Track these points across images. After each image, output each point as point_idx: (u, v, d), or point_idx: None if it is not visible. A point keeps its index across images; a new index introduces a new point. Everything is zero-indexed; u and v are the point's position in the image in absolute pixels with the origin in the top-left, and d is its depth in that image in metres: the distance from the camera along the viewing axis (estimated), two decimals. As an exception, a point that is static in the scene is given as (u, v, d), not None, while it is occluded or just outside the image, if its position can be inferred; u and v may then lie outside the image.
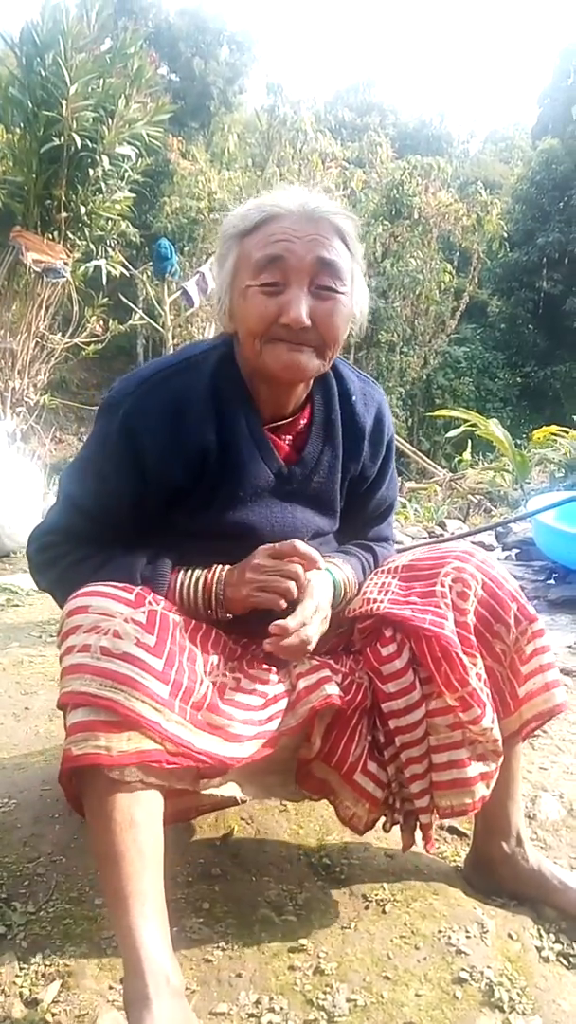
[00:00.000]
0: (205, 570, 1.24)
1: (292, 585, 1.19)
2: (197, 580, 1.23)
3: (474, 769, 1.24)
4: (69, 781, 1.10)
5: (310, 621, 1.19)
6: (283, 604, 1.20)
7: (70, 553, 1.27)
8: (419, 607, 1.22)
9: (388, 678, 1.25)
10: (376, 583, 1.33)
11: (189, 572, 1.24)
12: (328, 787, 1.31)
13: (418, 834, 1.33)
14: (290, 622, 1.16)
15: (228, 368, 1.26)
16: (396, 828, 1.36)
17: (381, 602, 1.26)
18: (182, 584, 1.23)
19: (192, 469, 1.21)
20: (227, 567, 1.24)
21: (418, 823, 1.30)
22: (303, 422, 1.31)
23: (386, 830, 1.36)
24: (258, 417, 1.27)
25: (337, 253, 1.17)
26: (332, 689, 1.23)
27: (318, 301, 1.15)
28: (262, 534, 1.26)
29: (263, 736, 1.17)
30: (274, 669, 1.25)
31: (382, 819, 1.34)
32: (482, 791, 1.25)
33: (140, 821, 1.04)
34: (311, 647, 1.20)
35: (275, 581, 1.19)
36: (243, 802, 1.29)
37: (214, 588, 1.23)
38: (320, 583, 1.24)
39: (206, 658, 1.19)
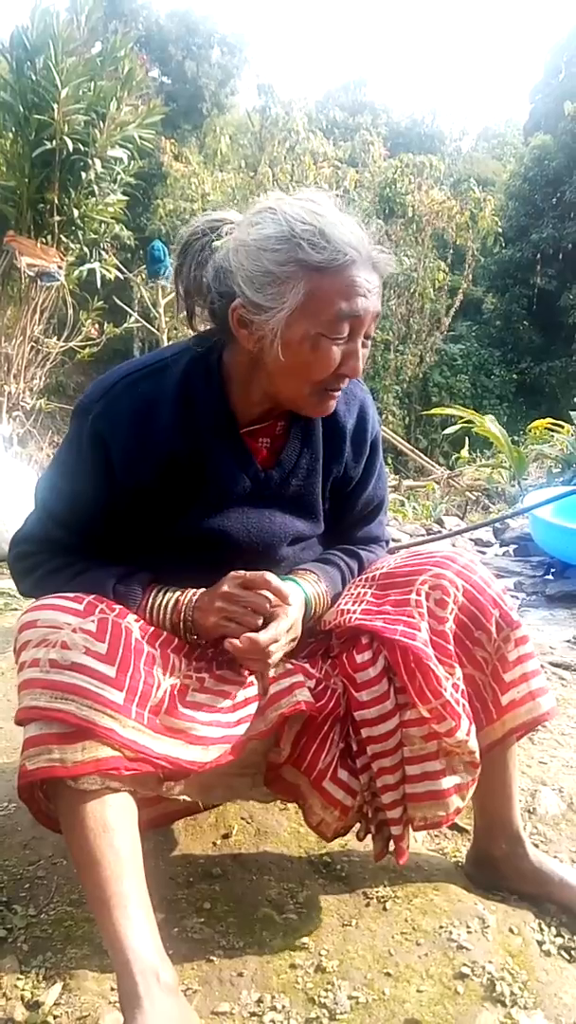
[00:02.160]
0: (178, 592, 1.23)
1: (260, 621, 1.18)
2: (168, 602, 1.22)
3: (448, 781, 1.22)
4: (31, 797, 1.11)
5: (281, 638, 1.18)
6: None
7: (46, 562, 1.26)
8: (391, 617, 1.20)
9: (362, 686, 1.22)
10: (352, 594, 1.31)
11: (162, 593, 1.23)
12: (298, 792, 1.30)
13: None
14: (262, 636, 1.15)
15: (202, 370, 1.23)
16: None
17: (354, 613, 1.25)
18: (154, 604, 1.22)
19: (162, 475, 1.20)
20: (200, 591, 1.23)
21: (391, 835, 1.27)
22: (280, 425, 1.29)
23: (359, 838, 1.34)
24: (233, 421, 1.24)
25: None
26: (303, 695, 1.22)
27: (363, 349, 1.16)
28: (239, 541, 1.25)
29: (230, 740, 1.16)
30: (245, 671, 1.23)
31: (356, 827, 1.32)
32: (456, 803, 1.23)
33: (113, 825, 1.05)
34: (272, 662, 1.19)
35: (244, 614, 1.18)
36: (207, 808, 1.28)
37: (183, 612, 1.21)
38: (295, 600, 1.23)
39: (167, 660, 1.17)
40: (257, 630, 1.17)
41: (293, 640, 1.23)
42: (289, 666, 1.27)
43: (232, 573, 1.21)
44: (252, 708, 1.21)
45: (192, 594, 1.23)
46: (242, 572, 1.21)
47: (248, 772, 1.31)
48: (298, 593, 1.25)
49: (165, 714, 1.11)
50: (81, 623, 1.09)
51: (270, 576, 1.20)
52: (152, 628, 1.21)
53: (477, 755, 1.22)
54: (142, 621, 1.20)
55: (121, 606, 1.18)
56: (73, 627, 1.08)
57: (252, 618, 1.18)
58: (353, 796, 1.27)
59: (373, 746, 1.23)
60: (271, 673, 1.21)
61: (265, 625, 1.18)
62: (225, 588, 1.19)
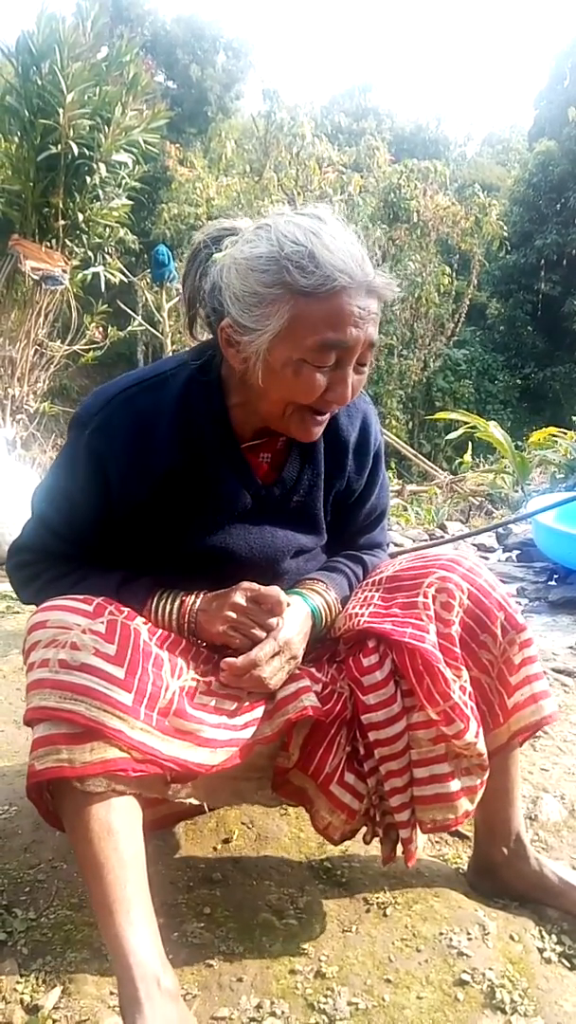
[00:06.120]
0: (182, 595, 1.24)
1: (264, 636, 1.20)
2: (173, 606, 1.23)
3: (457, 784, 1.21)
4: (39, 796, 1.11)
5: (263, 663, 1.18)
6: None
7: (47, 571, 1.27)
8: (400, 619, 1.20)
9: (368, 689, 1.22)
10: (359, 598, 1.31)
11: (166, 596, 1.24)
12: (305, 796, 1.30)
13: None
14: (238, 661, 1.17)
15: (202, 385, 1.21)
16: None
17: (362, 616, 1.25)
18: (158, 607, 1.23)
19: (160, 491, 1.19)
20: (204, 594, 1.24)
21: (399, 837, 1.27)
22: (281, 440, 1.27)
23: (366, 842, 1.33)
24: (233, 436, 1.23)
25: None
26: (310, 700, 1.22)
27: (356, 376, 1.14)
28: (241, 556, 1.25)
29: (236, 743, 1.16)
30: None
31: (363, 830, 1.32)
32: (466, 806, 1.23)
33: (118, 829, 1.05)
34: (272, 685, 1.20)
35: (250, 627, 1.19)
36: (212, 810, 1.28)
37: (187, 616, 1.22)
38: (291, 620, 1.23)
39: (174, 662, 1.18)
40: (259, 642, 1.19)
41: (293, 658, 1.23)
42: (296, 671, 1.27)
43: (244, 584, 1.22)
44: (259, 712, 1.21)
45: (196, 597, 1.24)
46: (255, 585, 1.21)
47: (254, 776, 1.31)
48: (299, 610, 1.26)
49: (173, 716, 1.11)
50: (91, 624, 1.10)
51: (283, 597, 1.21)
52: (160, 631, 1.21)
53: (485, 758, 1.22)
54: (150, 623, 1.21)
55: (129, 608, 1.18)
56: (83, 628, 1.09)
57: (258, 633, 1.19)
58: (360, 800, 1.26)
59: (381, 749, 1.22)
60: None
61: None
62: (236, 599, 1.20)
